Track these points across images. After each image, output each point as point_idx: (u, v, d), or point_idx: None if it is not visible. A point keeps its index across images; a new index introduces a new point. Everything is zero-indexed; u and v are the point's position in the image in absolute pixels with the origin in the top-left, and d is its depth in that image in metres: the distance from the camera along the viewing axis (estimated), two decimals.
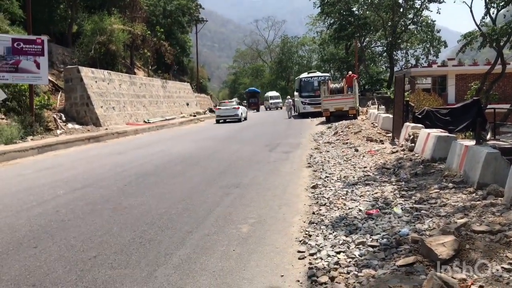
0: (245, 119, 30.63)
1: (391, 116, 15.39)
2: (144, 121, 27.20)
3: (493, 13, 22.93)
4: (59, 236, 5.37)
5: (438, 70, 37.83)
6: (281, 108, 51.40)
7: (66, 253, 4.79)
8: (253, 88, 62.52)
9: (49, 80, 20.70)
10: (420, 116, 12.67)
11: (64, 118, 20.74)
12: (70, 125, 20.42)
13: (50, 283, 4.02)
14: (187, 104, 39.40)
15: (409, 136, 10.66)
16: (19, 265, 4.45)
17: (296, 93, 32.11)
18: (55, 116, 20.12)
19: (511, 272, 3.33)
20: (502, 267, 3.41)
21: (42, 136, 17.15)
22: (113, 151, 14.57)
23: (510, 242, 3.78)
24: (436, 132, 9.08)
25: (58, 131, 18.64)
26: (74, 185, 8.56)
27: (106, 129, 21.12)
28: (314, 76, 30.86)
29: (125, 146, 16.14)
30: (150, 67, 38.55)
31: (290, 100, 33.29)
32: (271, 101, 55.58)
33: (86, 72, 22.80)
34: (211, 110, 42.91)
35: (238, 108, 29.81)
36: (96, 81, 23.45)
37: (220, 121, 29.15)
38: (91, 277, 4.12)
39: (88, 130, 20.08)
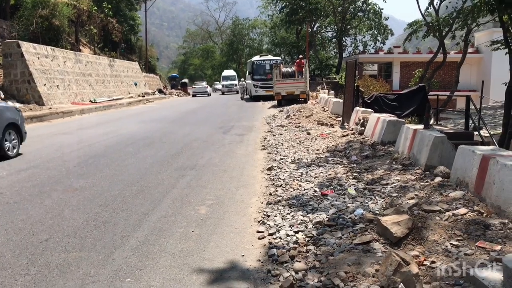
0: (209, 95, 43.82)
1: (341, 100, 15.79)
2: (91, 101, 26.11)
3: (436, 4, 23.96)
4: (5, 219, 5.09)
5: (384, 57, 39.15)
6: (237, 92, 40.89)
7: (14, 236, 4.55)
8: (175, 74, 62.20)
9: None
10: (369, 101, 13.08)
11: (3, 96, 19.46)
12: (10, 103, 19.19)
13: None
14: (135, 84, 38.21)
15: (359, 120, 11.00)
16: None
17: (248, 76, 32.06)
18: None
19: (459, 248, 3.55)
20: (451, 244, 3.63)
21: None
22: (59, 131, 13.92)
23: (458, 220, 4.03)
24: (385, 116, 9.42)
25: None
26: (18, 166, 8.11)
27: (50, 108, 20.08)
28: (267, 60, 30.88)
29: (71, 126, 15.45)
30: (96, 45, 36.89)
31: (244, 83, 34.81)
32: (224, 82, 46.69)
33: (27, 48, 21.44)
34: (160, 91, 41.94)
35: (207, 87, 46.08)
36: (38, 57, 22.13)
37: (197, 95, 42.64)
38: (44, 261, 3.95)
39: (30, 109, 18.98)
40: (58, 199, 5.91)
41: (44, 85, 21.76)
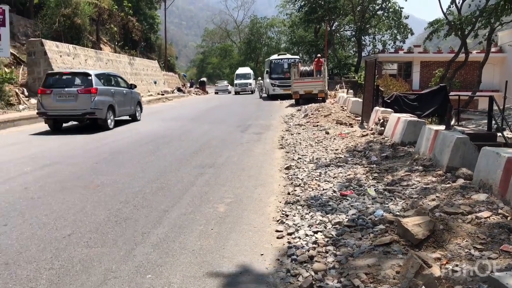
0: (229, 92, 46.05)
1: (360, 100, 15.66)
2: None
3: (459, 2, 23.54)
4: (30, 214, 5.21)
5: (404, 57, 38.64)
6: (252, 92, 40.85)
7: (38, 231, 4.66)
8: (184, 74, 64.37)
9: (10, 52, 19.72)
10: (389, 101, 12.96)
11: (26, 93, 19.87)
12: (33, 100, 19.57)
13: (24, 261, 3.91)
14: (155, 83, 38.56)
15: (379, 120, 10.90)
16: None
17: (266, 75, 32.05)
18: (17, 90, 19.24)
19: (482, 252, 3.49)
20: (474, 247, 3.58)
21: (4, 111, 16.41)
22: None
23: (481, 223, 3.97)
24: (406, 116, 9.32)
25: (21, 106, 17.88)
26: (42, 161, 8.28)
27: None
28: (285, 58, 30.83)
29: None
30: (117, 43, 37.35)
31: (261, 82, 35.04)
32: (237, 81, 42.62)
33: (50, 46, 21.85)
34: (179, 89, 42.22)
35: (228, 85, 49.63)
36: (60, 55, 22.53)
37: (219, 93, 46.82)
38: (67, 256, 4.03)
39: None
40: (80, 195, 6.01)
41: None
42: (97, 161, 8.34)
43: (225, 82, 52.87)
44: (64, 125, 13.86)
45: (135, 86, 16.80)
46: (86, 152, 9.34)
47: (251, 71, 46.35)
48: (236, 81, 42.96)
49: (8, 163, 8.10)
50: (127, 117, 15.92)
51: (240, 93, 41.49)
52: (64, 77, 13.22)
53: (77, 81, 13.05)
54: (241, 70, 46.13)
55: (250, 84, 42.05)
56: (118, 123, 14.57)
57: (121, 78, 16.07)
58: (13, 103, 18.00)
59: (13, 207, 5.48)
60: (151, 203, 5.67)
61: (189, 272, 3.72)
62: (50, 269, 3.76)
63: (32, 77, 21.29)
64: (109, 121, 13.39)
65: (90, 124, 13.49)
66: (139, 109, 16.37)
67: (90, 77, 12.94)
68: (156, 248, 4.21)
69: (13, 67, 21.03)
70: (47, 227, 4.77)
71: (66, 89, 12.71)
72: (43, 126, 13.48)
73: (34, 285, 3.48)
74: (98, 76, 13.48)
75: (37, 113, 13.15)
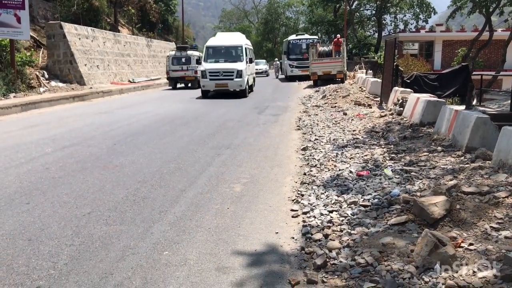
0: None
1: (379, 80, 15.42)
2: (129, 81, 26.68)
3: None
4: (51, 193, 5.35)
5: (426, 36, 37.72)
6: (267, 75, 38.80)
7: (59, 209, 4.79)
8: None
9: (30, 35, 19.98)
10: (408, 81, 12.73)
11: (47, 76, 20.19)
12: (53, 83, 19.92)
13: (46, 237, 4.03)
14: None
15: (398, 100, 10.73)
16: (12, 221, 4.43)
17: (283, 56, 31.74)
18: (37, 73, 19.56)
19: (499, 231, 3.45)
20: (491, 226, 3.54)
21: (25, 93, 16.71)
22: (99, 110, 14.34)
23: (498, 202, 3.91)
24: (425, 96, 9.15)
25: (41, 89, 18.18)
26: (62, 143, 8.45)
27: (91, 87, 20.68)
28: (303, 39, 30.45)
29: (111, 105, 15.88)
30: (134, 25, 37.42)
31: (278, 63, 35.11)
32: (209, 64, 23.89)
33: (69, 28, 22.04)
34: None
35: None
36: (79, 38, 22.73)
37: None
38: (87, 233, 4.14)
39: (73, 89, 19.63)
40: (99, 175, 6.14)
41: (85, 65, 22.38)
42: (115, 142, 8.47)
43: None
44: None
45: None
46: (105, 134, 9.49)
47: (242, 42, 20.22)
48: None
49: (30, 144, 8.29)
50: None
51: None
52: None
53: None
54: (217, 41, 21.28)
55: (236, 71, 18.86)
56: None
57: None
58: (34, 85, 18.31)
59: (35, 186, 5.63)
60: (168, 183, 5.75)
61: (205, 249, 3.79)
62: (70, 245, 3.88)
63: (52, 60, 21.58)
64: None
65: None
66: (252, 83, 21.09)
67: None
68: (173, 226, 4.29)
69: (33, 50, 21.33)
70: (68, 206, 4.90)
71: None
72: (63, 108, 13.71)
73: (55, 260, 3.59)
74: None
75: None
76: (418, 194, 4.51)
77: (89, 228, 4.25)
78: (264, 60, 46.23)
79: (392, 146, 7.37)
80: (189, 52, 24.91)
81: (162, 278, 3.29)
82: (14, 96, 15.77)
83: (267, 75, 39.16)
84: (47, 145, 8.24)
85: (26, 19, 17.23)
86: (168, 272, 3.39)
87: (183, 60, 24.48)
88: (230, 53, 19.60)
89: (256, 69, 30.61)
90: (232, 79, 18.09)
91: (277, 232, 4.14)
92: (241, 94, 18.35)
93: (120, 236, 4.06)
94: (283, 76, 31.88)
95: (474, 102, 12.24)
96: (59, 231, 4.19)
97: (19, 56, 18.40)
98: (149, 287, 3.16)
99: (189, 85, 24.73)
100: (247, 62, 19.02)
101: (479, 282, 2.77)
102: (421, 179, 5.14)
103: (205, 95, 18.60)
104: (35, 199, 5.14)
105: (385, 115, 10.61)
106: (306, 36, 32.46)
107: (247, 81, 18.93)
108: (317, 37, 37.57)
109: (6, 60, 17.28)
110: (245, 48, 19.66)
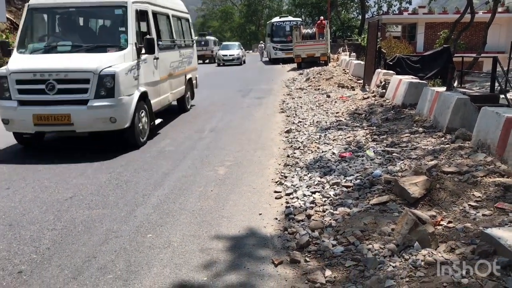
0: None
1: (362, 62, 15.46)
2: None
3: None
4: (32, 178, 5.28)
5: (409, 18, 37.80)
6: (240, 63, 29.55)
7: (40, 194, 4.73)
8: None
9: (6, 17, 19.35)
10: (391, 63, 12.76)
11: None
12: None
13: (28, 222, 3.99)
14: None
15: (381, 82, 10.80)
16: None
17: (267, 38, 31.50)
18: None
19: (477, 209, 3.53)
20: (469, 205, 3.62)
21: None
22: None
23: (477, 182, 3.99)
24: (407, 78, 9.22)
25: None
26: None
27: None
28: (286, 21, 30.21)
29: None
30: None
31: (262, 45, 34.90)
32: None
33: None
34: None
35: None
36: None
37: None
38: (69, 217, 4.11)
39: None
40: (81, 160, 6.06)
41: None
42: None
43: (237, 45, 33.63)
44: None
45: None
46: None
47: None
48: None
49: None
50: None
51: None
52: None
53: None
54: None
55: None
56: None
57: None
58: None
59: (15, 171, 5.55)
60: (151, 167, 5.72)
61: (189, 231, 3.79)
62: (52, 229, 3.84)
63: None
64: None
65: None
66: None
67: None
68: (156, 209, 4.29)
69: (8, 32, 20.71)
70: (49, 190, 4.84)
71: None
72: None
73: (37, 244, 3.56)
74: None
75: None
76: (399, 174, 4.57)
77: (71, 213, 4.21)
78: (237, 43, 34.45)
79: (374, 127, 7.44)
80: None
81: (146, 260, 3.29)
82: None
83: (241, 64, 29.53)
84: None
85: (1, 0, 16.70)
86: (151, 254, 3.39)
87: None
88: (89, 28, 8.11)
89: (225, 55, 29.32)
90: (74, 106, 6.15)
91: (261, 214, 4.16)
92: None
93: (103, 220, 4.03)
94: (266, 59, 31.68)
95: (455, 84, 12.37)
96: (40, 215, 4.15)
97: None
98: (133, 270, 3.16)
99: None
100: (147, 50, 7.05)
101: (457, 258, 2.84)
102: (402, 160, 5.21)
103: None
104: (15, 184, 5.07)
105: (368, 97, 10.68)
106: (290, 18, 32.20)
107: (140, 108, 6.92)
108: (300, 19, 37.30)
109: None
110: (138, 11, 7.18)
